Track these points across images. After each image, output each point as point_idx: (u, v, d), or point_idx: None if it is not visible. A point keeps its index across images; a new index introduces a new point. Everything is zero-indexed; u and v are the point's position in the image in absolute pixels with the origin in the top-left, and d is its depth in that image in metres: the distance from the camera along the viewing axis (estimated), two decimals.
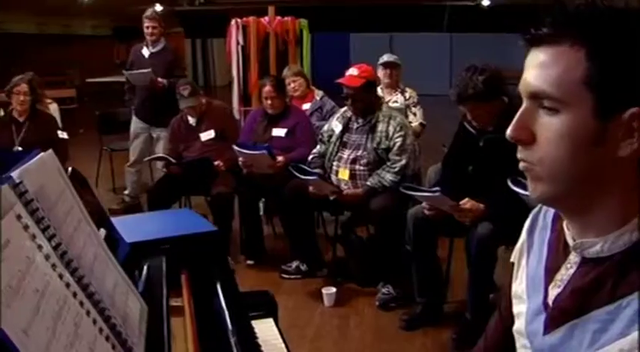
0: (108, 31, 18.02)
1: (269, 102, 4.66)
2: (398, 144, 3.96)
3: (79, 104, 13.31)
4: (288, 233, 4.42)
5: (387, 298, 3.90)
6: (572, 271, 1.00)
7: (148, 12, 5.80)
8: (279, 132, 4.68)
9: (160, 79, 5.51)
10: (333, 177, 4.16)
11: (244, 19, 8.47)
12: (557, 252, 1.05)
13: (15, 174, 0.85)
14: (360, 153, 4.05)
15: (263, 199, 4.99)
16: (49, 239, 0.85)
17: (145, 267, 1.35)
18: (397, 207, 3.91)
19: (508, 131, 0.95)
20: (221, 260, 1.52)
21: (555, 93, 0.89)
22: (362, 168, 4.03)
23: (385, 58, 5.57)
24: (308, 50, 9.13)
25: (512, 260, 1.23)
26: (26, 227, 0.80)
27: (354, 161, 4.06)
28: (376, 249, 4.02)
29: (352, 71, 4.09)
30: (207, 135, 4.79)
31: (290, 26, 8.73)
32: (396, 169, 3.94)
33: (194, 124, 4.87)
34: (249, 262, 4.58)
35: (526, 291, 1.10)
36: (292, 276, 4.30)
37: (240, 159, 4.47)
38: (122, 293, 1.05)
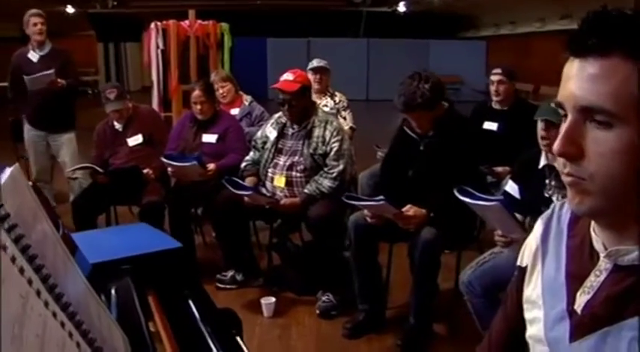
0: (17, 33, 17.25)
1: (198, 107, 4.51)
2: (335, 149, 3.90)
3: None
4: (221, 242, 4.29)
5: (327, 306, 3.83)
6: (602, 278, 0.98)
7: (34, 10, 5.40)
8: (209, 138, 4.54)
9: (59, 80, 5.23)
10: (269, 185, 4.06)
11: (164, 22, 8.27)
12: (582, 258, 1.04)
13: None
14: (296, 159, 3.97)
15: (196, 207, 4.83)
16: (36, 270, 0.73)
17: (113, 291, 1.22)
18: (335, 214, 3.86)
19: (555, 146, 0.91)
20: (190, 277, 1.41)
21: (611, 107, 0.86)
22: (299, 174, 3.95)
23: (315, 63, 5.53)
24: (229, 54, 9.03)
25: (519, 263, 1.22)
26: (13, 259, 0.68)
27: (290, 167, 3.98)
28: (314, 256, 3.95)
29: (287, 76, 4.00)
30: (134, 140, 4.59)
31: (211, 30, 8.60)
32: (334, 175, 3.88)
33: (120, 129, 4.65)
34: None
35: (542, 297, 1.09)
36: (228, 286, 4.17)
37: (169, 169, 4.31)
38: (106, 326, 0.93)
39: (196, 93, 4.48)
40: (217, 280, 4.19)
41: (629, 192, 0.88)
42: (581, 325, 0.99)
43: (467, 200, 2.75)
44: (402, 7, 19.02)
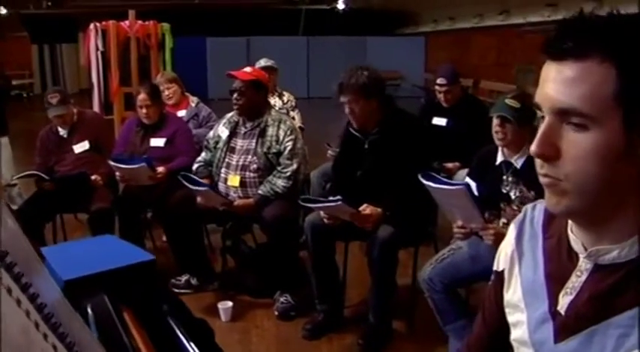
0: None
1: (144, 111, 4.41)
2: (289, 148, 3.88)
3: None
4: (174, 246, 4.20)
5: (286, 307, 3.80)
6: (584, 278, 1.00)
7: None
8: (157, 142, 4.44)
9: None
10: (222, 185, 4.00)
11: (103, 23, 8.07)
12: (560, 259, 1.05)
13: None
14: (249, 158, 3.92)
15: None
16: (31, 300, 0.68)
17: (89, 309, 1.17)
18: (290, 214, 3.84)
19: (532, 147, 0.93)
20: (165, 290, 1.37)
21: (586, 109, 0.87)
22: (252, 174, 3.91)
23: (262, 62, 5.49)
24: (170, 55, 8.89)
25: (495, 268, 1.24)
26: (9, 290, 0.63)
27: (243, 167, 3.93)
28: (270, 257, 3.92)
29: (245, 69, 4.07)
30: (80, 147, 4.45)
31: (152, 30, 8.44)
32: (288, 174, 3.85)
33: (65, 136, 4.50)
34: None
35: (523, 300, 1.11)
36: (183, 291, 4.09)
37: (118, 173, 4.20)
38: (92, 347, 0.89)
39: (142, 96, 4.38)
40: (172, 285, 4.11)
41: (605, 193, 0.91)
42: (566, 325, 1.01)
43: (430, 184, 2.77)
44: (340, 5, 19.13)
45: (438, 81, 4.75)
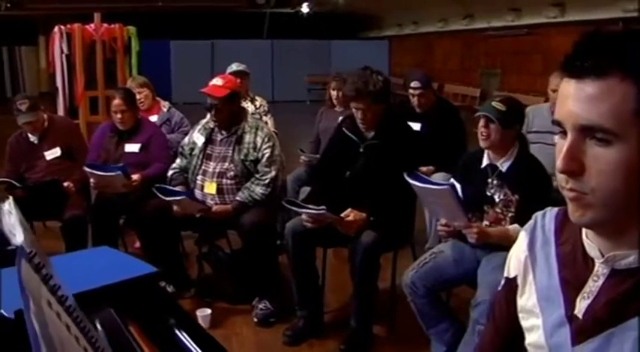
0: None
1: (119, 116, 4.34)
2: (267, 155, 3.85)
3: None
4: (149, 253, 4.12)
5: (265, 313, 3.78)
6: (600, 282, 1.03)
7: None
8: (132, 147, 4.38)
9: None
10: (198, 192, 3.96)
11: (68, 26, 7.95)
12: (575, 264, 1.09)
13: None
14: (226, 165, 3.89)
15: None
16: (61, 302, 0.66)
17: (98, 325, 1.14)
18: (269, 221, 3.83)
19: (558, 163, 0.95)
20: (171, 303, 1.34)
21: (609, 126, 0.90)
22: (229, 181, 3.88)
23: (234, 67, 5.44)
24: (137, 59, 8.79)
25: (506, 275, 1.26)
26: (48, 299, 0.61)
27: (220, 174, 3.89)
28: (247, 264, 3.89)
29: (216, 81, 3.92)
30: (52, 153, 4.35)
31: (118, 33, 8.34)
32: (266, 181, 3.83)
33: (36, 142, 4.40)
34: None
35: (538, 305, 1.14)
36: None
37: (92, 180, 4.13)
38: None
39: (116, 102, 4.31)
40: None
41: (629, 204, 0.93)
42: (584, 329, 1.04)
43: (417, 183, 2.80)
44: (305, 8, 19.14)
45: (412, 85, 4.77)
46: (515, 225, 2.87)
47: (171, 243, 4.04)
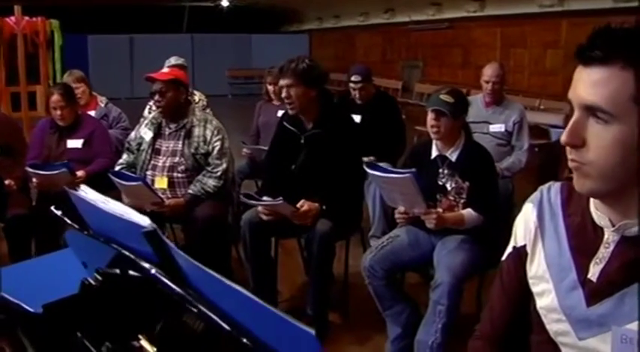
0: None
1: (58, 112, 4.24)
2: (217, 148, 3.87)
3: None
4: None
5: None
6: (611, 249, 1.18)
7: None
8: (74, 143, 4.29)
9: None
10: None
11: None
12: (586, 233, 1.22)
13: None
14: (177, 159, 3.88)
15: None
16: None
17: None
18: (222, 214, 3.86)
19: (562, 137, 1.10)
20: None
21: (609, 108, 1.05)
22: (181, 175, 3.87)
23: (172, 60, 5.44)
24: (60, 53, 8.57)
25: (514, 244, 1.39)
26: None
27: (171, 168, 3.88)
28: (201, 257, 3.88)
29: (163, 70, 4.07)
30: None
31: (40, 27, 8.11)
32: (218, 174, 3.85)
33: None
34: None
35: (549, 271, 1.27)
36: None
37: (35, 180, 4.03)
38: None
39: (55, 97, 4.22)
40: None
41: (625, 177, 1.08)
42: (598, 291, 1.18)
43: (377, 173, 2.91)
44: (225, 2, 19.02)
45: (353, 78, 4.90)
46: (469, 209, 3.03)
47: None
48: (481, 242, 3.05)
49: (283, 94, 3.51)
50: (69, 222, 1.29)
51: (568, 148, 1.12)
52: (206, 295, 0.99)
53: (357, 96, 4.93)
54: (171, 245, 1.05)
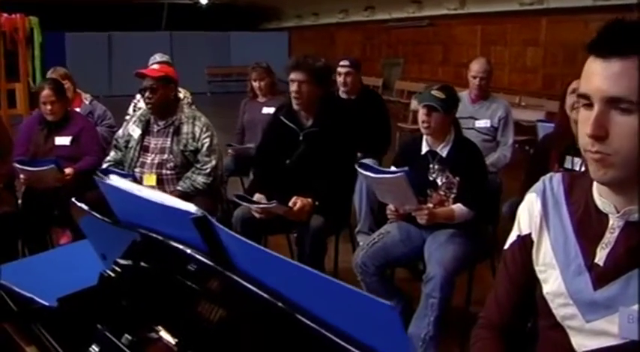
0: None
1: (49, 107, 4.22)
2: (206, 145, 3.88)
3: None
4: None
5: None
6: (616, 234, 1.23)
7: None
8: (62, 140, 4.27)
9: None
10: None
11: None
12: (590, 220, 1.27)
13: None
14: (165, 156, 3.87)
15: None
16: None
17: None
18: (211, 211, 3.85)
19: (588, 130, 1.13)
20: None
21: (632, 97, 1.09)
22: (169, 172, 3.87)
23: (157, 57, 5.43)
24: (40, 50, 8.49)
25: (518, 233, 1.43)
26: None
27: (159, 165, 3.88)
28: None
29: (153, 66, 4.10)
30: None
31: (19, 24, 8.02)
32: (207, 170, 3.86)
33: None
34: None
35: (555, 257, 1.32)
36: None
37: (22, 176, 4.01)
38: None
39: (45, 92, 4.19)
40: None
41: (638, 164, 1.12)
42: (604, 275, 1.23)
43: (370, 174, 2.94)
44: (203, 0, 18.94)
45: (342, 63, 4.91)
46: (459, 204, 3.07)
47: None
48: (471, 235, 3.09)
49: (293, 88, 3.52)
50: (94, 213, 1.29)
51: (589, 141, 1.14)
52: (263, 279, 1.00)
53: (342, 82, 4.92)
54: (225, 229, 1.05)
